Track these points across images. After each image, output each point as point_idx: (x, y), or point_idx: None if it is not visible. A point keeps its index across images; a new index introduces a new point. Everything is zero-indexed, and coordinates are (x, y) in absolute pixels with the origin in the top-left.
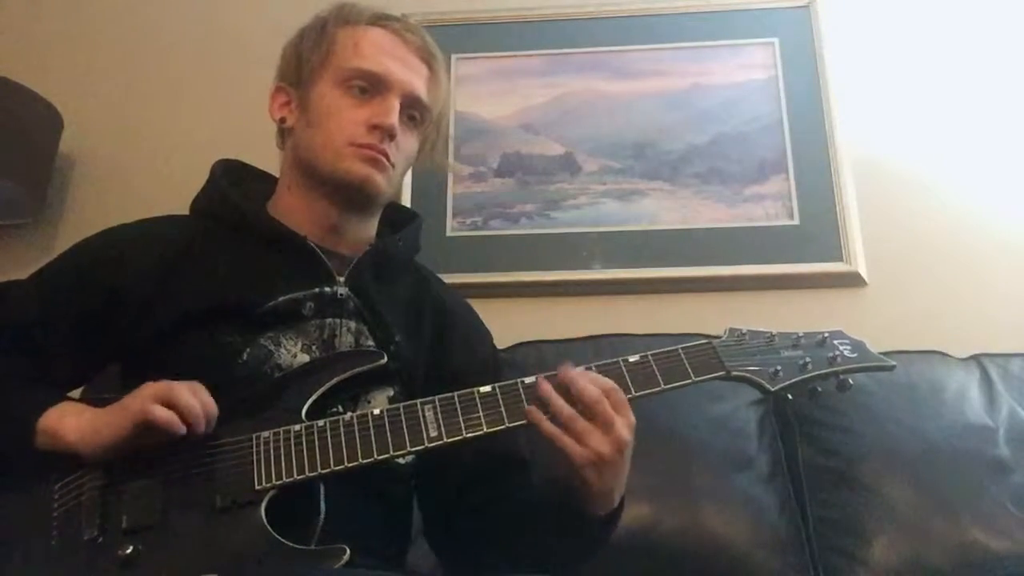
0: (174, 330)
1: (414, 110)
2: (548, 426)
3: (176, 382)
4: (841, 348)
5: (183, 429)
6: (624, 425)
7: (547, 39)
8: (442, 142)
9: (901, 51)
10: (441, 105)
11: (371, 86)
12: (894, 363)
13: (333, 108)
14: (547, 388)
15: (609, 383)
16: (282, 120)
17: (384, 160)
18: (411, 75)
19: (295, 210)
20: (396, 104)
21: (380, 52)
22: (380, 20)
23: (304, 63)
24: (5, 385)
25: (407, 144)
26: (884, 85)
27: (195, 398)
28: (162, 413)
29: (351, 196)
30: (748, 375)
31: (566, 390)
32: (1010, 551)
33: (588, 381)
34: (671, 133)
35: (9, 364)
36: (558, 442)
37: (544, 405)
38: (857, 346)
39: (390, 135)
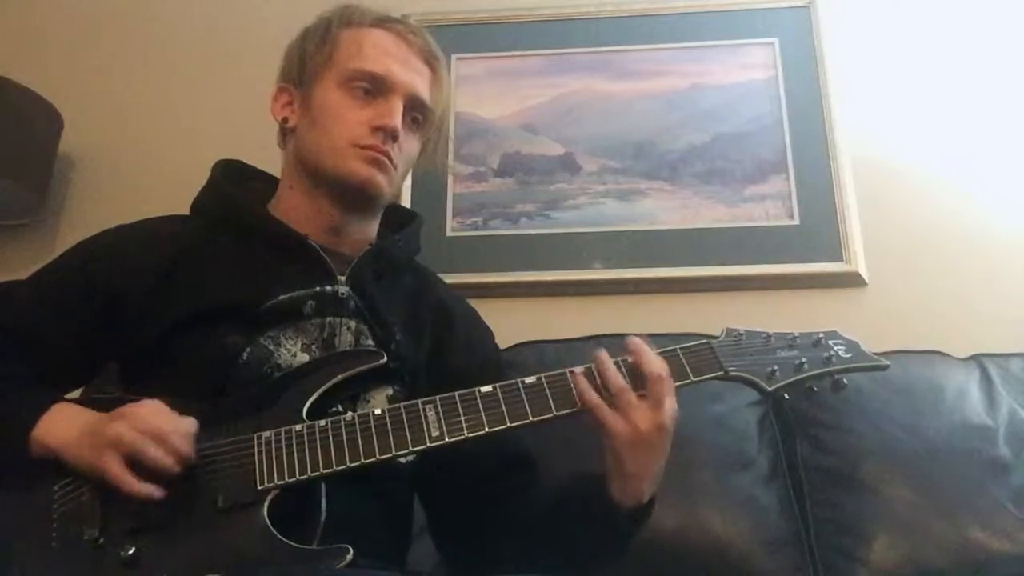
0: (174, 330)
1: (416, 111)
2: (592, 396)
3: (146, 429)
4: (836, 348)
5: (155, 495)
6: (669, 409)
7: (547, 39)
8: (443, 143)
9: (901, 51)
10: (443, 107)
11: (374, 87)
12: (888, 363)
13: (336, 108)
14: (606, 357)
15: (663, 370)
16: (284, 120)
17: (386, 161)
18: (414, 76)
19: (297, 210)
20: (399, 105)
21: (383, 54)
22: (383, 22)
23: (307, 64)
24: (2, 389)
25: (409, 145)
26: (884, 85)
27: (165, 451)
28: (132, 487)
29: (353, 196)
30: (745, 375)
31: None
32: (1010, 551)
33: (655, 356)
34: (671, 133)
35: (8, 366)
36: (599, 413)
37: (598, 373)
38: (851, 346)
39: (393, 136)
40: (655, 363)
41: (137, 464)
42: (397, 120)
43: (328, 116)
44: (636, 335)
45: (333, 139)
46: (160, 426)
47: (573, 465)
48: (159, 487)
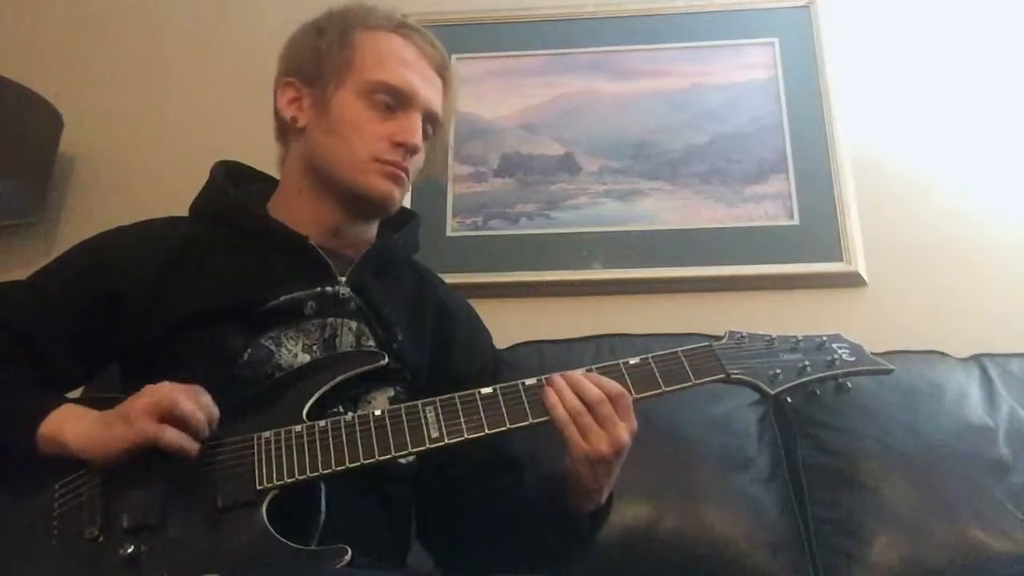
0: (175, 331)
1: (429, 124)
2: (561, 412)
3: (176, 388)
4: (840, 351)
5: (193, 450)
6: (625, 429)
7: (547, 39)
8: (443, 151)
9: (901, 51)
10: (450, 116)
11: (396, 102)
12: (892, 366)
13: (357, 120)
14: (561, 382)
15: (618, 388)
16: (293, 119)
17: (404, 176)
18: (432, 91)
19: (299, 211)
20: (419, 121)
21: (404, 66)
22: (402, 29)
23: (323, 63)
24: (5, 389)
25: (419, 157)
26: (884, 85)
27: (197, 405)
28: (172, 436)
29: (367, 208)
30: (748, 378)
31: (574, 388)
32: (1010, 551)
33: (592, 383)
34: (671, 133)
35: (8, 366)
36: (565, 430)
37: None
38: (855, 349)
39: (412, 152)
40: (589, 388)
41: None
42: (419, 138)
43: (348, 127)
44: (633, 335)
45: (354, 151)
46: (186, 387)
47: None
48: (194, 441)
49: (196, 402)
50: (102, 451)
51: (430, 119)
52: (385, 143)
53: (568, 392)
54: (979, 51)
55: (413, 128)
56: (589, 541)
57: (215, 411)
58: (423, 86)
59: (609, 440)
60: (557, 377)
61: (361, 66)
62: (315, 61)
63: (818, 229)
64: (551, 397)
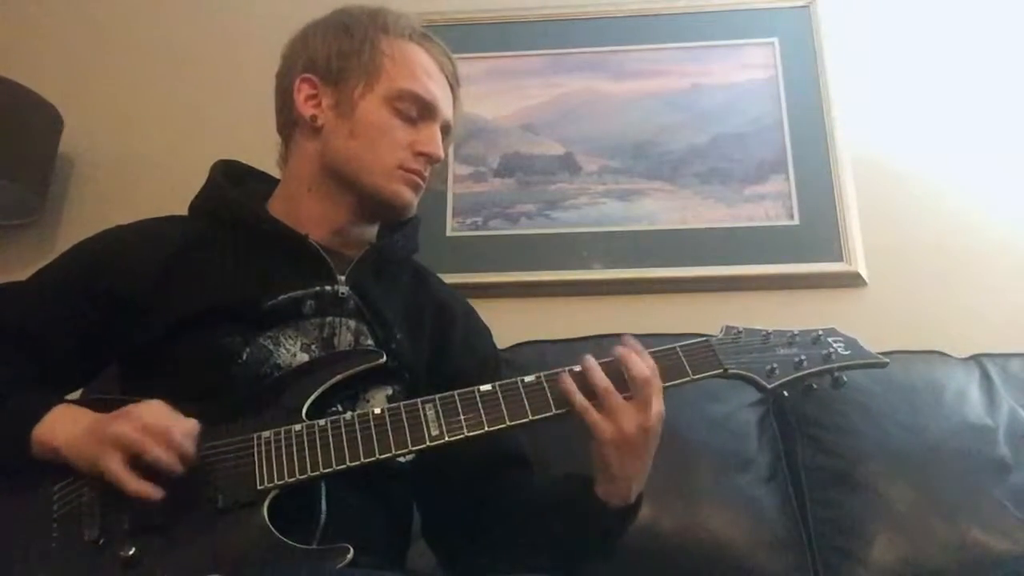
0: (174, 331)
1: (442, 135)
2: (580, 399)
3: (150, 430)
4: (835, 345)
5: (142, 491)
6: (655, 412)
7: (547, 39)
8: (443, 162)
9: (901, 51)
10: (458, 127)
11: (419, 112)
12: (887, 360)
13: (385, 127)
14: (592, 361)
15: (654, 367)
16: (313, 118)
17: (423, 185)
18: (448, 104)
19: (304, 210)
20: (439, 132)
21: (429, 79)
22: (424, 40)
23: (350, 64)
24: (2, 390)
25: (436, 167)
26: (884, 85)
27: (166, 450)
28: (116, 469)
29: (384, 213)
30: (745, 373)
31: (613, 368)
32: (1010, 551)
33: (642, 361)
34: (671, 133)
35: (7, 367)
36: (587, 417)
37: (583, 377)
38: (850, 343)
39: (434, 163)
40: (640, 366)
41: (139, 463)
42: (441, 149)
43: (375, 132)
44: (633, 335)
45: (381, 158)
46: (163, 425)
47: (569, 463)
48: (158, 487)
49: (168, 444)
50: (80, 463)
51: (444, 130)
52: (408, 152)
53: (597, 373)
54: (979, 51)
55: (435, 139)
56: (614, 537)
57: (190, 450)
58: (443, 100)
59: (638, 421)
60: (587, 359)
61: (392, 73)
62: (341, 61)
63: (818, 229)
64: (566, 384)
